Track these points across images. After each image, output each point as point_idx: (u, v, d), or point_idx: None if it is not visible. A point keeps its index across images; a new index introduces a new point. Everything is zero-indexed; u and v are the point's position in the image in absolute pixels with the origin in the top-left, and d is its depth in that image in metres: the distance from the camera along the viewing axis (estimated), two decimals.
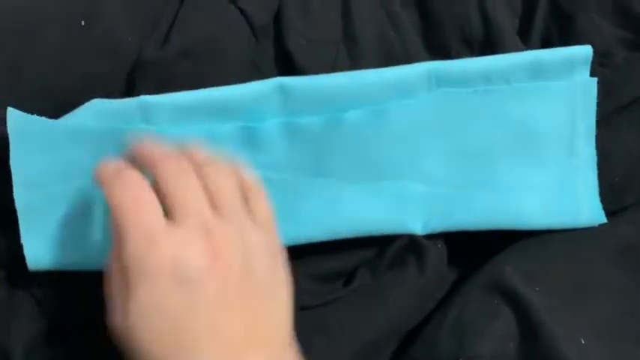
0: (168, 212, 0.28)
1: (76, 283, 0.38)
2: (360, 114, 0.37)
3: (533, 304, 0.34)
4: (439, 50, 0.40)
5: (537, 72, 0.38)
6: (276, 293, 0.30)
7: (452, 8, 0.39)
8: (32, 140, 0.34)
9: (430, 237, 0.38)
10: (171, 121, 0.36)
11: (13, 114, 0.34)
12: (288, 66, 0.39)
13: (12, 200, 0.35)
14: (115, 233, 0.28)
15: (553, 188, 0.39)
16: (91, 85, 0.36)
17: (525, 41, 0.40)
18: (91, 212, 0.36)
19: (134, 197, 0.28)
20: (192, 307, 0.27)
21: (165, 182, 0.28)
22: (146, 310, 0.27)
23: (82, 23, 0.37)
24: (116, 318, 0.28)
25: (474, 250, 0.39)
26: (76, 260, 0.36)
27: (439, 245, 0.38)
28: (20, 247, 0.37)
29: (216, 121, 0.36)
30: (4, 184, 0.35)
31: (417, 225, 0.38)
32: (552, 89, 0.38)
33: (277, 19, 0.38)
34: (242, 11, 0.37)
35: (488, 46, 0.40)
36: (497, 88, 0.38)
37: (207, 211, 0.28)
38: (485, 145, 0.38)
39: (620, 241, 0.38)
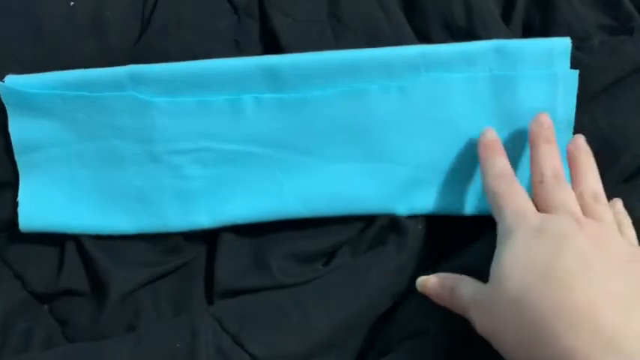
0: (543, 211, 0.33)
1: (55, 255, 0.38)
2: (345, 93, 0.37)
3: None
4: (420, 35, 0.40)
5: (518, 60, 0.38)
6: None
7: None
8: (27, 107, 0.36)
9: (412, 218, 0.39)
10: (161, 91, 0.37)
11: (3, 86, 0.36)
12: (272, 45, 0.39)
13: None
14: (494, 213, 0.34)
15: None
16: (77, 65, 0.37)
17: (507, 26, 0.40)
18: (86, 175, 0.38)
19: (516, 192, 0.34)
20: (560, 255, 0.29)
21: (545, 191, 0.34)
22: (516, 261, 0.30)
23: (71, 4, 0.38)
24: (478, 303, 0.32)
25: (456, 234, 0.39)
26: (68, 222, 0.38)
27: (420, 227, 0.39)
28: (1, 217, 0.38)
29: (205, 92, 0.37)
30: None
31: (401, 206, 0.38)
32: (534, 79, 0.38)
33: None
34: None
35: (470, 34, 0.40)
36: (480, 75, 0.38)
37: (578, 211, 0.32)
38: (467, 133, 0.39)
39: None
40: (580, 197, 0.34)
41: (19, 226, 0.37)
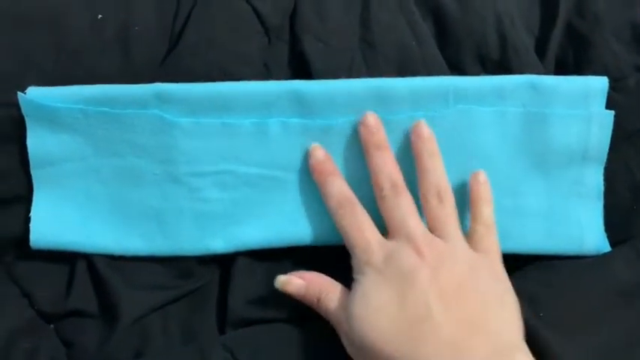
0: (388, 230, 0.34)
1: (64, 273, 0.37)
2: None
3: (537, 330, 0.33)
4: (452, 66, 0.39)
5: (552, 98, 0.37)
6: (498, 300, 0.33)
7: (469, 25, 0.39)
8: (47, 121, 0.35)
9: None
10: (186, 111, 0.36)
11: (25, 98, 0.35)
12: (301, 69, 0.38)
13: (4, 186, 0.36)
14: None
15: (558, 215, 0.39)
16: (100, 79, 0.36)
17: (540, 60, 0.40)
18: (103, 192, 0.37)
19: (359, 224, 0.34)
20: (405, 303, 0.31)
21: (386, 206, 0.34)
22: (365, 298, 0.32)
23: (99, 17, 0.37)
24: (344, 321, 0.33)
25: None
26: (80, 241, 0.37)
27: None
28: (11, 232, 0.37)
29: (231, 115, 0.36)
30: None
31: None
32: (566, 118, 0.38)
33: (292, 20, 0.38)
34: (255, 10, 0.37)
35: (503, 67, 0.39)
36: (512, 110, 0.37)
37: (417, 228, 0.34)
38: (495, 167, 0.38)
39: (623, 275, 0.37)
40: (424, 199, 0.35)
41: (29, 243, 0.36)
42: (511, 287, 0.33)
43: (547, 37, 0.40)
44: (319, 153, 0.36)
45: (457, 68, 0.39)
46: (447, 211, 0.35)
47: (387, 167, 0.35)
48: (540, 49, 0.40)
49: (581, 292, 0.36)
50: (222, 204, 0.37)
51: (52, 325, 0.37)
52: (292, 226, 0.37)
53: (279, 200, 0.37)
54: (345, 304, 0.33)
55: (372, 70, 0.38)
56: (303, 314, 0.37)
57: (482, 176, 0.36)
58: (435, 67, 0.38)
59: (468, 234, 0.35)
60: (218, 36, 0.37)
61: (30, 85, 0.36)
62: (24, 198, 0.37)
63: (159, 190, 0.36)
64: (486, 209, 0.36)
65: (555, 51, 0.40)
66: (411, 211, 0.34)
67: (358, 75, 0.37)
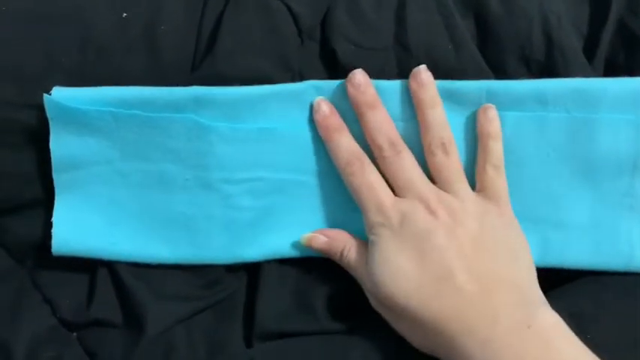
0: (394, 189, 0.34)
1: (85, 282, 0.37)
2: (399, 127, 0.35)
3: None
4: (494, 67, 0.37)
5: (599, 102, 0.35)
6: (513, 252, 0.33)
7: (513, 25, 0.37)
8: (74, 123, 0.34)
9: None
10: (223, 116, 0.35)
11: (50, 99, 0.34)
12: (333, 71, 0.36)
13: (27, 189, 0.35)
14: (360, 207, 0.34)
15: (606, 228, 0.37)
16: (126, 79, 0.35)
17: (589, 62, 0.38)
18: (129, 197, 0.35)
19: (370, 183, 0.34)
20: (425, 262, 0.32)
21: (389, 166, 0.34)
22: (384, 262, 0.32)
23: (124, 15, 0.36)
24: (366, 278, 0.34)
25: None
26: (104, 247, 0.35)
27: None
28: (33, 237, 0.36)
29: (267, 119, 0.35)
30: (19, 173, 0.35)
31: None
32: (615, 123, 0.35)
33: (325, 21, 0.36)
34: (290, 10, 0.35)
35: (549, 68, 0.37)
36: (554, 115, 0.35)
37: (425, 186, 0.34)
38: (535, 175, 0.36)
39: None
40: (429, 152, 0.34)
41: (51, 249, 0.35)
42: (522, 234, 0.34)
43: (597, 36, 0.38)
44: (325, 107, 0.35)
45: (499, 70, 0.37)
46: (453, 163, 0.34)
47: (384, 126, 0.34)
48: (589, 49, 0.38)
49: (632, 312, 0.34)
50: (253, 212, 0.36)
51: (74, 334, 0.36)
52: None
53: (309, 206, 0.37)
54: (366, 262, 0.34)
55: (405, 73, 0.36)
56: (334, 327, 0.35)
57: (493, 112, 0.35)
58: (473, 71, 0.36)
59: (476, 173, 0.35)
60: (254, 38, 0.35)
61: (55, 84, 0.34)
62: (41, 202, 0.36)
63: (189, 196, 0.35)
64: (496, 146, 0.35)
65: (605, 52, 0.38)
66: (416, 169, 0.34)
67: (390, 77, 0.35)
